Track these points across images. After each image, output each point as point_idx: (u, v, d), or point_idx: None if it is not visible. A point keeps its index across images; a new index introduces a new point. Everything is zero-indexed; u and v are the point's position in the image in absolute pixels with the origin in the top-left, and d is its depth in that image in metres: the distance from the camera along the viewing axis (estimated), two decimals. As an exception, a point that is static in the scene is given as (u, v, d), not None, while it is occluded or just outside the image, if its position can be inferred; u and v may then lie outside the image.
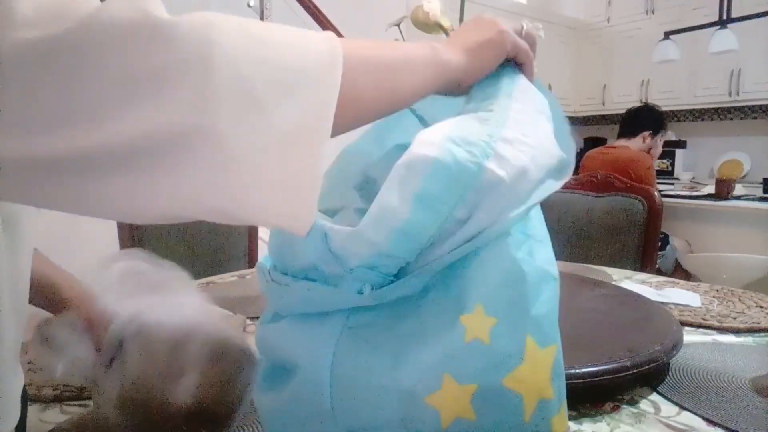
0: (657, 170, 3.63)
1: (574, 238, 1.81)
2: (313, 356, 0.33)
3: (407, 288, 0.33)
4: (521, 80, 0.41)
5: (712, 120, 4.51)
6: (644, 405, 0.59)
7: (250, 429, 0.54)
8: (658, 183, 2.97)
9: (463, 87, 0.41)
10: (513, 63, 0.43)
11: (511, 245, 0.34)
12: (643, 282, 1.16)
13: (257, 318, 0.91)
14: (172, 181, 0.27)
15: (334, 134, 0.30)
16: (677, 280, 1.21)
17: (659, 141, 2.51)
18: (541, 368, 0.33)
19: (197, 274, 1.49)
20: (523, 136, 0.35)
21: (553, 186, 0.36)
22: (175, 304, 0.47)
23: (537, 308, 0.33)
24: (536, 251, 0.36)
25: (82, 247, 1.44)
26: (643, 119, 2.50)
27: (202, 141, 0.26)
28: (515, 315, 0.33)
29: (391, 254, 0.32)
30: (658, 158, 3.49)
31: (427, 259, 0.33)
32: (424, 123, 0.47)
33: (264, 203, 0.28)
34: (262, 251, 1.55)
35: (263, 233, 1.56)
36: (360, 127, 0.33)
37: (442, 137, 0.32)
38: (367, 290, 0.32)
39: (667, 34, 3.34)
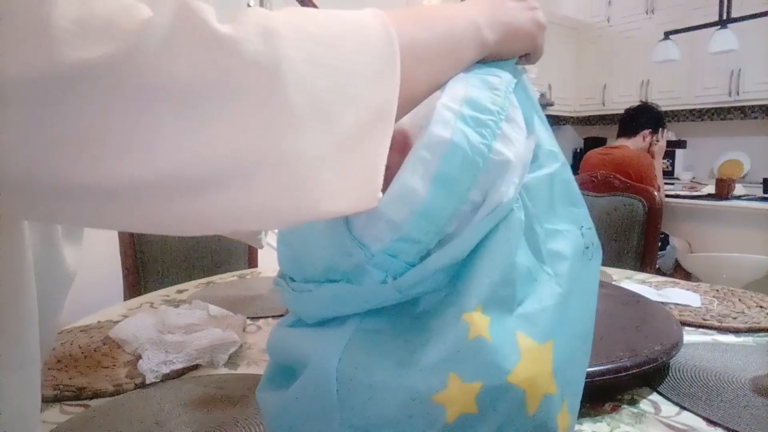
0: (657, 170, 3.63)
1: (574, 238, 1.81)
2: (323, 353, 0.33)
3: (430, 278, 0.33)
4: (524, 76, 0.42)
5: (712, 120, 4.50)
6: (644, 405, 0.59)
7: (252, 429, 0.54)
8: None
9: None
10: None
11: (514, 241, 0.35)
12: (643, 282, 1.16)
13: (257, 318, 0.91)
14: (241, 205, 0.26)
15: None
16: (677, 280, 1.21)
17: (661, 138, 2.51)
18: (542, 363, 0.33)
19: (197, 274, 1.49)
20: (519, 120, 0.36)
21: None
22: None
23: (528, 305, 0.34)
24: (550, 243, 0.37)
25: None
26: (642, 118, 2.50)
27: (274, 165, 0.25)
28: (504, 313, 0.33)
29: (410, 237, 0.32)
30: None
31: (447, 249, 0.33)
32: None
33: (337, 207, 0.28)
34: (263, 251, 1.54)
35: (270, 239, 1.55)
36: (408, 112, 0.34)
37: (453, 115, 0.33)
38: (390, 280, 0.33)
39: (667, 34, 3.34)
